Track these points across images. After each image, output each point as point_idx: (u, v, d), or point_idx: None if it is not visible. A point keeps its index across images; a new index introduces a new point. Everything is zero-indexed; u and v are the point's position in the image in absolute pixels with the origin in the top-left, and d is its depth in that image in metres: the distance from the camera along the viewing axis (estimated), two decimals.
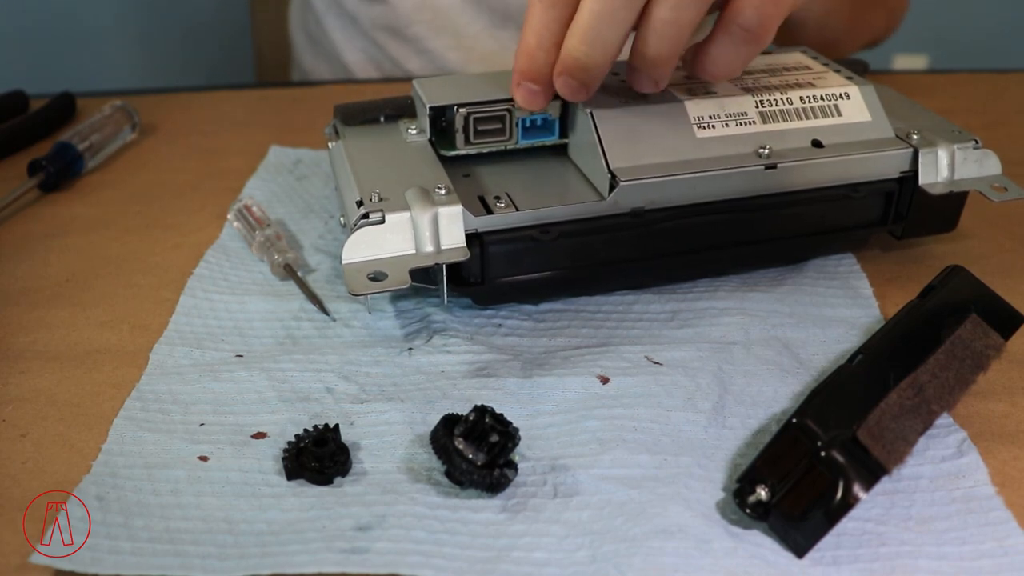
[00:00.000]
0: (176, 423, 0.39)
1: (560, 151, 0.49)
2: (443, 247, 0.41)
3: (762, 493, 0.33)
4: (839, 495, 0.32)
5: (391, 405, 0.39)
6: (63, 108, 0.69)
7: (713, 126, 0.45)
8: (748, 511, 0.33)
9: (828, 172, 0.46)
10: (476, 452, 0.34)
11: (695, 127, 0.45)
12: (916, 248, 0.51)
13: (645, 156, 0.44)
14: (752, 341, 0.43)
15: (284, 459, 0.36)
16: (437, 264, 0.41)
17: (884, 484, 0.35)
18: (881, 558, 0.32)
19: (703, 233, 0.46)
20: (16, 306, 0.47)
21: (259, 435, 0.38)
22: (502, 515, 0.34)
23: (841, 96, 0.47)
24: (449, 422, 0.36)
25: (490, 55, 0.79)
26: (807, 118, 0.47)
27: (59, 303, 0.47)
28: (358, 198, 0.42)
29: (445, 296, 0.44)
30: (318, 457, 0.35)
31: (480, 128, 0.47)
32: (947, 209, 0.49)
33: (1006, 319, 0.40)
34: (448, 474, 0.35)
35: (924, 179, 0.47)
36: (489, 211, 0.43)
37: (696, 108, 0.46)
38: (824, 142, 0.46)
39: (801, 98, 0.47)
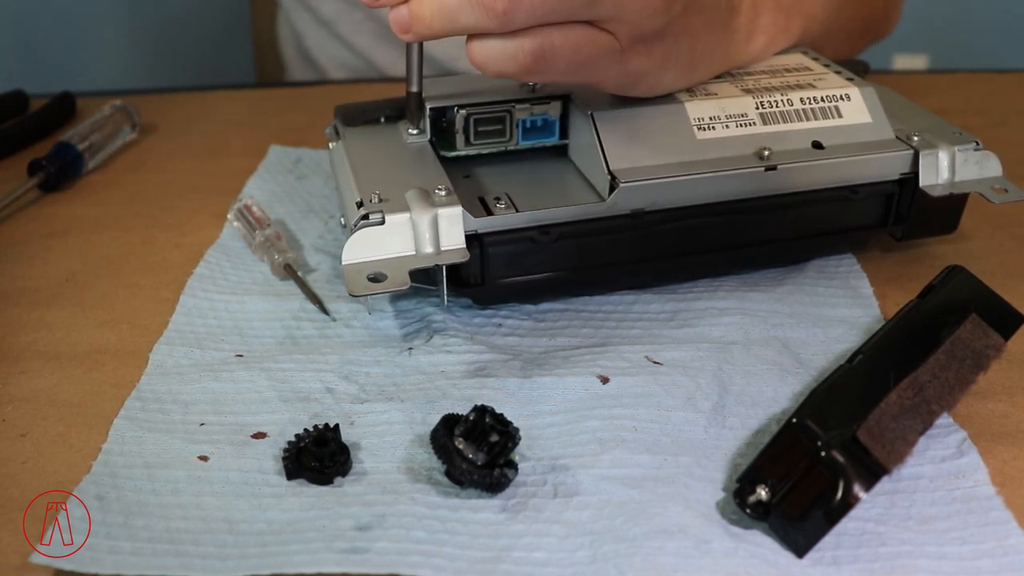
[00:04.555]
0: (176, 423, 0.39)
1: (560, 152, 0.49)
2: (443, 248, 0.41)
3: (762, 493, 0.33)
4: (839, 495, 0.32)
5: (391, 405, 0.39)
6: (63, 108, 0.69)
7: (713, 127, 0.45)
8: (748, 511, 0.33)
9: (828, 174, 0.46)
10: (476, 452, 0.34)
11: (695, 128, 0.45)
12: (916, 248, 0.51)
13: (645, 157, 0.44)
14: (752, 341, 0.43)
15: (284, 459, 0.36)
16: (437, 265, 0.41)
17: (884, 484, 0.35)
18: (881, 558, 0.32)
19: (703, 235, 0.46)
20: (16, 306, 0.47)
21: (259, 435, 0.38)
22: (502, 515, 0.34)
23: (841, 97, 0.47)
24: (449, 422, 0.36)
25: None
26: (807, 119, 0.47)
27: (59, 303, 0.47)
28: (358, 199, 0.42)
29: (445, 297, 0.44)
30: (318, 457, 0.35)
31: (480, 129, 0.47)
32: (948, 211, 0.49)
33: (1006, 319, 0.40)
34: (448, 474, 0.35)
35: (925, 181, 0.47)
36: (489, 212, 0.43)
37: (696, 109, 0.46)
38: (824, 143, 0.46)
39: (801, 99, 0.47)
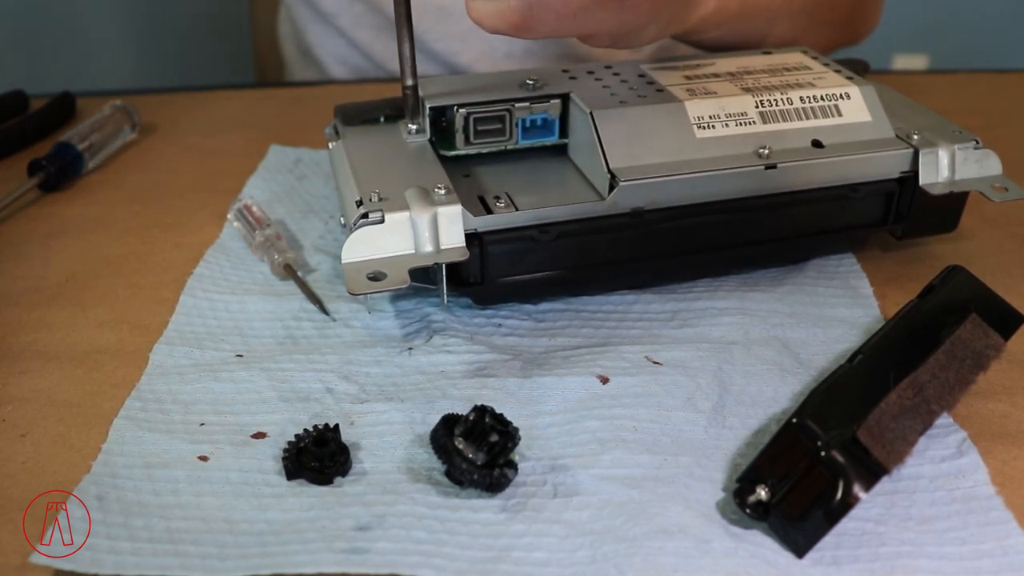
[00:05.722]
0: (176, 423, 0.39)
1: (560, 151, 0.49)
2: (442, 247, 0.41)
3: (762, 493, 0.33)
4: (839, 495, 0.32)
5: (391, 405, 0.39)
6: (63, 108, 0.69)
7: (713, 126, 0.45)
8: (748, 511, 0.33)
9: (828, 172, 0.46)
10: (476, 452, 0.34)
11: (695, 127, 0.45)
12: (916, 248, 0.51)
13: (645, 156, 0.44)
14: (752, 341, 0.43)
15: (284, 459, 0.36)
16: (437, 264, 0.41)
17: (884, 484, 0.35)
18: (881, 558, 0.32)
19: (703, 233, 0.46)
20: (16, 306, 0.47)
21: (259, 435, 0.38)
22: (502, 515, 0.34)
23: (841, 96, 0.47)
24: (449, 422, 0.36)
25: (492, 55, 0.78)
26: (807, 118, 0.47)
27: (59, 303, 0.47)
28: (358, 198, 0.42)
29: (445, 296, 0.44)
30: (318, 457, 0.35)
31: (480, 128, 0.47)
32: (948, 209, 0.49)
33: (1006, 319, 0.40)
34: (448, 474, 0.35)
35: (925, 179, 0.47)
36: (489, 211, 0.43)
37: (696, 108, 0.46)
38: (824, 142, 0.46)
39: (801, 98, 0.47)
